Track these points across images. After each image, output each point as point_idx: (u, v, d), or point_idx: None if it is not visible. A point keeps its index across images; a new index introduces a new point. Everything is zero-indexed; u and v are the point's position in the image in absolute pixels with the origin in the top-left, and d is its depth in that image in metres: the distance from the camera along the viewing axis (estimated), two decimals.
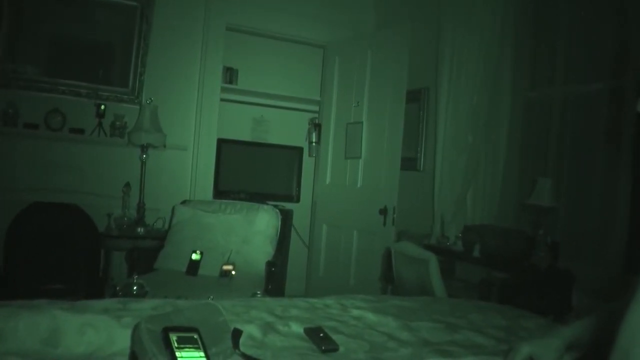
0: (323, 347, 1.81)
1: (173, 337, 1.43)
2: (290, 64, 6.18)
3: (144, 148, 4.73)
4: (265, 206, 4.51)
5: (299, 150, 6.30)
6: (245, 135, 6.14)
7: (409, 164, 5.01)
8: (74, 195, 4.71)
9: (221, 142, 5.60)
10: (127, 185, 4.77)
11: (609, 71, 3.73)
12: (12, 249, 4.41)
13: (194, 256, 3.97)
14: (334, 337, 1.91)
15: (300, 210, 5.85)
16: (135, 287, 3.06)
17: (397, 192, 4.67)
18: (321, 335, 1.89)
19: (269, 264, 3.92)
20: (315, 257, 5.59)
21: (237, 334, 1.71)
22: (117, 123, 4.90)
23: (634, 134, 3.51)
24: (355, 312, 2.35)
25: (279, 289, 4.02)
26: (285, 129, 6.30)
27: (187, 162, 5.25)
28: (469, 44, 4.45)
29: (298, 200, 6.24)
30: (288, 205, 5.48)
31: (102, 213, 4.66)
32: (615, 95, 3.65)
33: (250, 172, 6.05)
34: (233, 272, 3.83)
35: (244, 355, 1.64)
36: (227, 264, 3.87)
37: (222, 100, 5.40)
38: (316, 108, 6.01)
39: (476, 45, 4.40)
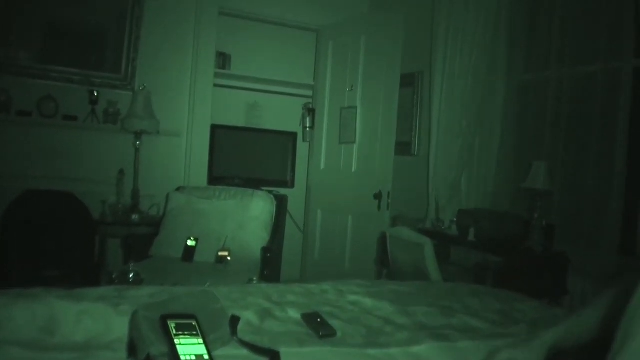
0: (320, 333, 1.81)
1: (171, 325, 1.43)
2: (284, 49, 6.15)
3: (138, 134, 4.71)
4: (259, 192, 4.51)
5: (293, 135, 6.29)
6: (239, 121, 6.11)
7: (403, 148, 5.01)
8: (68, 182, 4.68)
9: (215, 128, 5.57)
10: (121, 172, 4.75)
11: (604, 53, 3.71)
12: (6, 237, 4.39)
13: (189, 242, 3.98)
14: (331, 322, 1.91)
15: (295, 196, 5.84)
16: (131, 275, 3.06)
17: (392, 176, 4.68)
18: (318, 320, 1.89)
19: (265, 250, 3.94)
20: (311, 242, 5.60)
21: (234, 320, 1.72)
22: (110, 109, 4.88)
23: (629, 116, 3.51)
24: (352, 298, 2.35)
25: (274, 275, 4.03)
26: (279, 114, 6.28)
27: (181, 148, 5.23)
28: (463, 27, 4.43)
29: (293, 186, 6.23)
30: (283, 191, 5.49)
31: (96, 200, 4.64)
32: (610, 77, 3.64)
33: (245, 158, 6.03)
34: (229, 258, 3.83)
35: (241, 341, 1.65)
36: (223, 250, 3.88)
37: (215, 85, 5.37)
38: (310, 93, 6.00)
39: (471, 29, 4.38)
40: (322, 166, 5.53)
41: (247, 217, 4.24)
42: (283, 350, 1.60)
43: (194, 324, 1.47)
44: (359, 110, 5.05)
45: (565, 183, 3.95)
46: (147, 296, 2.06)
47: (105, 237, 4.61)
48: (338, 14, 5.56)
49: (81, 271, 4.38)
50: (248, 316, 1.91)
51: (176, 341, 1.40)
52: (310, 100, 6.03)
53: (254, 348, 1.61)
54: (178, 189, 4.54)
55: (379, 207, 4.69)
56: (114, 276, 3.07)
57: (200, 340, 1.43)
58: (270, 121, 6.23)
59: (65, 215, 4.54)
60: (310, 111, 5.88)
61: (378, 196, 4.69)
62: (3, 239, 4.38)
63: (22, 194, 4.44)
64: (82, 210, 4.60)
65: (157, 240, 4.17)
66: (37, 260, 4.34)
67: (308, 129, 5.95)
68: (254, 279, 3.28)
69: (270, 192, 4.70)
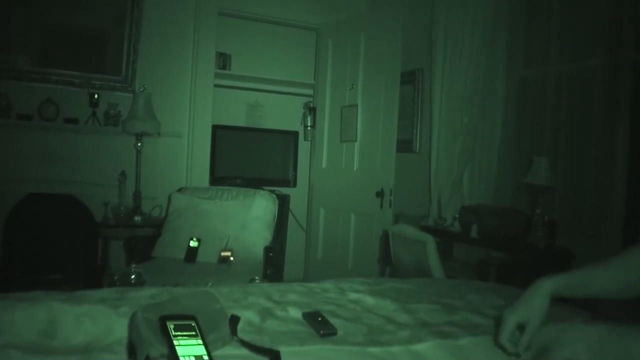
0: (321, 332, 1.80)
1: (170, 326, 1.42)
2: (284, 48, 6.16)
3: (139, 136, 4.72)
4: (262, 191, 4.51)
5: (295, 134, 6.29)
6: (240, 121, 6.12)
7: (404, 146, 5.00)
8: (70, 185, 4.69)
9: (216, 128, 5.58)
10: (123, 174, 4.75)
11: (603, 47, 3.70)
12: (9, 241, 4.40)
13: (192, 243, 3.98)
14: (332, 321, 1.90)
15: (297, 195, 5.84)
16: (133, 276, 3.06)
17: (394, 174, 4.67)
18: (319, 319, 1.88)
19: (267, 249, 3.94)
20: (314, 241, 5.59)
21: (234, 320, 1.71)
22: (111, 112, 4.88)
23: (630, 110, 3.50)
24: (353, 296, 2.34)
25: (277, 274, 4.03)
26: (280, 113, 6.28)
27: (182, 149, 5.23)
28: (462, 24, 4.42)
29: (295, 185, 6.24)
30: (285, 190, 5.49)
31: (98, 202, 4.64)
32: (610, 71, 3.63)
33: (246, 157, 6.04)
34: (231, 258, 3.84)
35: (242, 341, 1.64)
36: (225, 250, 3.89)
37: (215, 86, 5.37)
38: (311, 92, 5.99)
39: (470, 25, 4.37)
40: (324, 165, 5.52)
41: (250, 217, 4.24)
42: (283, 350, 1.59)
43: (193, 324, 1.46)
44: (359, 108, 5.04)
45: (567, 178, 3.94)
46: (148, 297, 2.05)
47: (108, 239, 4.62)
48: (337, 12, 5.55)
49: (84, 274, 4.39)
50: (249, 316, 1.90)
51: (175, 342, 1.39)
52: (311, 99, 6.03)
53: (254, 348, 1.60)
54: (180, 190, 4.55)
55: (381, 205, 4.68)
56: (115, 278, 3.07)
57: (200, 341, 1.43)
58: (271, 121, 6.24)
59: (67, 218, 4.54)
60: (311, 110, 5.88)
61: (380, 194, 4.68)
62: (6, 242, 4.39)
63: (24, 197, 4.45)
64: (84, 213, 4.60)
65: (159, 241, 4.17)
66: (40, 263, 4.35)
67: (309, 128, 5.95)
68: (257, 278, 3.27)
69: (272, 191, 4.69)
